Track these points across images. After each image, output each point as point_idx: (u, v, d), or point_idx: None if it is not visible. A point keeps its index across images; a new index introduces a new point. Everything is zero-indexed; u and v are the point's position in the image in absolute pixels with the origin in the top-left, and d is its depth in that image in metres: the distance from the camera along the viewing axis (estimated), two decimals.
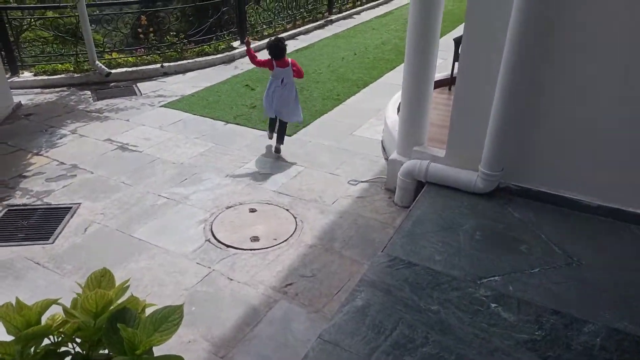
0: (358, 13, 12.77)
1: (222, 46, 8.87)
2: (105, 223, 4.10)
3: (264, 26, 10.05)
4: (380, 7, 13.72)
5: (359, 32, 10.77)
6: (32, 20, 7.89)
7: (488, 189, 3.85)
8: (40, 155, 5.26)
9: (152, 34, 8.10)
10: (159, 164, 5.09)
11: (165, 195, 4.51)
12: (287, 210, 4.28)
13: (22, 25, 7.47)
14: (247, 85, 7.48)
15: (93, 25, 7.52)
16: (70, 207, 4.30)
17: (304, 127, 5.99)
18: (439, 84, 6.50)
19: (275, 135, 5.35)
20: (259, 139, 5.66)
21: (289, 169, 5.00)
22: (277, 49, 5.17)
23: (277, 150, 5.29)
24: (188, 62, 8.20)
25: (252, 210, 4.27)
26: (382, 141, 5.56)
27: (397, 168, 4.39)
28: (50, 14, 8.14)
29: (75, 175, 4.85)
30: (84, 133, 5.80)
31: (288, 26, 10.59)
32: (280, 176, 4.85)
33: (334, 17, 11.76)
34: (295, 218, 4.16)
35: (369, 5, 13.35)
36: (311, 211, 4.26)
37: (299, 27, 10.73)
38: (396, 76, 7.88)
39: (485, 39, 3.52)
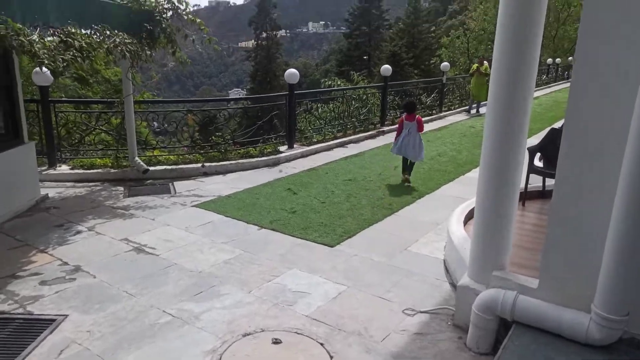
0: None
1: (268, 149, 8.48)
2: (88, 345, 3.19)
3: (313, 133, 9.73)
4: (435, 121, 13.39)
5: None
6: (89, 120, 7.83)
7: (607, 340, 2.71)
8: (45, 252, 4.59)
9: (197, 133, 7.83)
10: (174, 272, 4.26)
11: (171, 312, 3.60)
12: (322, 345, 3.23)
13: (68, 123, 7.39)
14: (289, 189, 6.82)
15: (138, 121, 7.32)
16: (54, 320, 3.45)
17: (348, 237, 5.11)
18: None
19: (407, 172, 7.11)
20: (296, 249, 4.79)
21: (328, 286, 4.03)
22: (412, 105, 7.49)
23: (407, 180, 7.05)
24: (230, 163, 7.77)
25: (276, 342, 3.25)
26: (444, 261, 4.55)
27: (469, 298, 3.32)
28: (96, 108, 8.15)
29: (75, 280, 4.08)
30: (102, 231, 5.16)
31: (338, 134, 10.25)
32: (316, 296, 3.87)
33: (385, 128, 11.41)
34: (331, 358, 3.09)
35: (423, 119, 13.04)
36: (353, 349, 3.19)
37: (350, 135, 10.37)
38: (455, 188, 7.03)
39: (595, 138, 2.67)
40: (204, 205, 6.06)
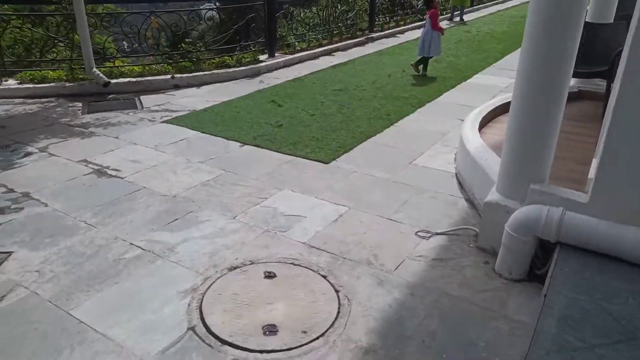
0: (402, 32, 11.40)
1: (246, 59, 7.54)
2: (37, 288, 2.58)
3: (296, 40, 8.72)
4: None
5: (405, 50, 9.33)
6: (17, 17, 6.68)
7: None
8: None
9: (163, 40, 6.82)
10: (142, 197, 3.60)
11: (140, 245, 2.98)
12: (325, 277, 2.68)
13: (6, 25, 6.25)
14: (273, 101, 6.04)
15: (91, 27, 6.25)
16: None
17: (344, 151, 4.46)
18: None
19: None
20: (285, 167, 4.14)
21: (326, 208, 3.44)
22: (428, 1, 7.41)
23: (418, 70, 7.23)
24: (205, 74, 6.86)
25: (269, 276, 2.69)
26: (456, 174, 3.96)
27: (499, 216, 2.77)
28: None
29: (22, 209, 3.39)
30: (56, 152, 4.40)
31: (324, 42, 9.25)
32: (313, 220, 3.28)
33: (374, 34, 10.40)
34: (337, 292, 2.56)
35: (412, 25, 11.99)
36: (363, 281, 2.65)
37: (336, 43, 9.38)
38: (459, 95, 6.33)
39: None
40: (176, 121, 5.28)
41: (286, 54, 8.32)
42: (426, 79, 7.14)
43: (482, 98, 6.14)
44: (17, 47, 6.67)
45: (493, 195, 2.85)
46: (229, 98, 6.15)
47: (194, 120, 5.30)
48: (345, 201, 3.54)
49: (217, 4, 8.09)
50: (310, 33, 8.92)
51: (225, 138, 4.80)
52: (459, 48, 9.49)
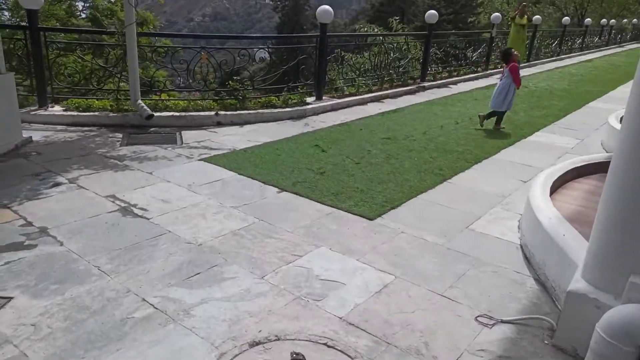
0: (454, 83, 11.04)
1: (293, 100, 7.33)
2: (27, 348, 2.22)
3: (345, 84, 8.49)
4: (479, 80, 11.94)
5: (458, 101, 8.92)
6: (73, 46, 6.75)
7: None
8: (8, 208, 3.63)
9: (211, 77, 6.71)
10: (165, 243, 3.25)
11: (152, 302, 2.60)
12: None
13: (60, 52, 6.31)
14: (317, 145, 5.71)
15: (142, 59, 6.22)
16: None
17: (392, 207, 4.01)
18: (587, 169, 4.40)
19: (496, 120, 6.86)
20: (325, 220, 3.73)
21: (369, 275, 2.97)
22: (505, 54, 7.11)
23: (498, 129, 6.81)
24: (249, 113, 6.66)
25: (297, 359, 2.23)
26: (522, 246, 3.42)
27: (586, 311, 2.22)
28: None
29: (35, 246, 3.11)
30: (85, 184, 4.17)
31: (374, 88, 8.99)
32: (353, 288, 2.82)
33: (426, 84, 10.07)
34: None
35: (465, 77, 11.63)
36: None
37: (386, 90, 9.10)
38: (519, 154, 5.80)
39: None
40: (214, 160, 5.01)
41: (334, 97, 8.08)
42: (482, 133, 6.66)
43: (545, 158, 5.62)
44: (77, 75, 6.70)
45: (578, 284, 2.32)
46: (271, 139, 5.88)
47: (232, 160, 5.01)
48: (391, 268, 3.07)
49: (269, 44, 7.96)
50: (360, 78, 8.68)
51: (262, 182, 4.47)
52: (516, 103, 8.93)
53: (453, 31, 14.82)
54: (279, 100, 7.22)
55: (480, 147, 5.94)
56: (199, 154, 5.17)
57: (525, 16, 12.39)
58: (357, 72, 8.75)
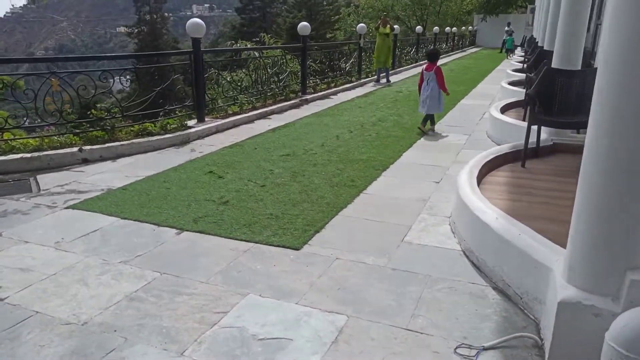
0: (335, 94, 10.99)
1: (172, 125, 6.48)
2: None
3: (228, 103, 7.85)
4: (357, 89, 12.09)
5: (344, 110, 8.79)
6: None
7: None
8: None
9: (68, 106, 5.61)
10: (32, 330, 2.34)
11: None
12: None
13: None
14: (211, 172, 5.00)
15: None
16: None
17: (315, 231, 3.50)
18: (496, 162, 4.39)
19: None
20: (244, 259, 3.08)
21: (316, 320, 2.41)
22: (435, 54, 7.12)
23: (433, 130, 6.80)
24: (122, 145, 5.68)
25: None
26: (465, 253, 3.14)
27: (581, 321, 1.92)
28: None
29: None
30: None
31: (257, 104, 8.46)
32: (303, 343, 2.23)
33: (308, 96, 9.84)
34: None
35: (343, 87, 11.67)
36: None
37: (271, 105, 8.63)
38: (420, 155, 5.70)
39: None
40: (87, 205, 4.04)
41: (217, 118, 7.39)
42: (378, 139, 6.50)
43: (445, 157, 5.60)
44: None
45: (568, 291, 2.02)
46: (154, 171, 5.02)
47: (110, 203, 4.09)
48: (340, 306, 2.54)
49: (134, 63, 7.01)
50: (241, 96, 8.09)
51: (155, 224, 3.66)
52: (398, 107, 9.15)
53: (326, 43, 15.02)
54: (155, 126, 6.32)
55: (382, 153, 5.74)
56: (65, 201, 4.15)
57: (388, 25, 12.93)
58: (239, 89, 8.15)
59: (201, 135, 6.61)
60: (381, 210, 3.94)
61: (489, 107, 9.05)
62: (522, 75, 11.40)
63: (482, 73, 15.95)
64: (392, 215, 3.83)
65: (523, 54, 21.83)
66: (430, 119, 6.87)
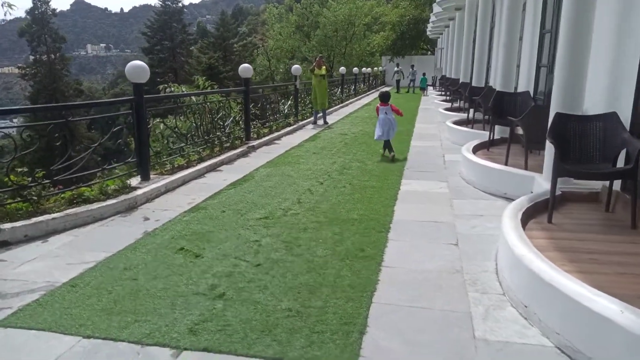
0: (278, 138, 10.29)
1: (112, 186, 5.34)
2: None
3: (173, 155, 6.81)
4: (298, 132, 11.50)
5: (299, 158, 8.09)
6: None
7: None
8: None
9: None
10: None
11: None
12: None
13: None
14: (182, 248, 4.00)
15: None
16: None
17: (359, 332, 2.72)
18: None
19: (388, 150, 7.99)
20: None
21: None
22: (388, 95, 8.40)
23: (393, 157, 7.83)
24: (53, 219, 4.46)
25: None
26: (561, 348, 2.52)
27: None
28: None
29: None
30: None
31: (204, 153, 7.48)
32: None
33: (254, 142, 9.04)
34: None
35: (285, 130, 11.02)
36: None
37: (218, 155, 7.70)
38: (414, 210, 5.14)
39: None
40: (24, 319, 2.88)
41: (163, 174, 6.32)
42: (355, 191, 5.87)
43: (441, 210, 5.14)
44: None
45: None
46: (106, 253, 3.90)
47: (60, 312, 2.96)
48: None
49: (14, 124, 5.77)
50: (188, 146, 7.09)
51: (136, 342, 2.63)
52: (353, 152, 8.65)
53: (265, 85, 14.44)
54: (92, 190, 5.14)
55: (371, 209, 5.09)
56: None
57: (323, 67, 12.64)
58: (184, 139, 7.13)
59: (150, 198, 5.52)
60: (419, 290, 3.25)
61: (442, 148, 8.91)
62: (462, 115, 11.61)
63: (409, 112, 16.15)
64: (437, 297, 3.15)
65: (441, 92, 22.96)
66: (388, 146, 7.96)
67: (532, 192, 5.07)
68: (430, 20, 28.12)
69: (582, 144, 4.18)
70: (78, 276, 3.48)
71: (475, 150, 6.99)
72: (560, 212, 4.22)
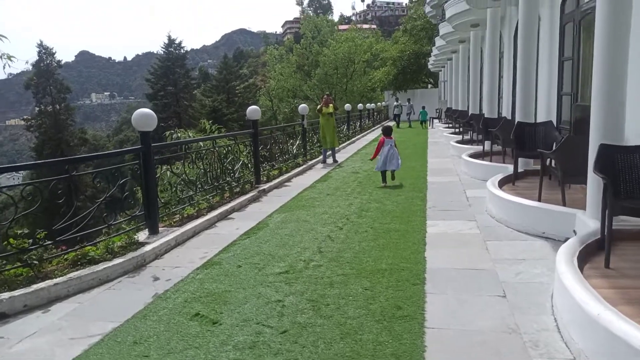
0: (289, 180, 9.96)
1: (119, 243, 4.97)
2: None
3: (182, 204, 6.46)
4: (308, 172, 11.20)
5: (314, 200, 7.73)
6: None
7: None
8: None
9: None
10: None
11: None
12: None
13: None
14: (198, 314, 3.58)
15: None
16: None
17: None
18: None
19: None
20: None
21: None
22: (390, 129, 9.12)
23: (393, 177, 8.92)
24: (55, 284, 4.07)
25: None
26: None
27: None
28: None
29: None
30: None
31: (214, 200, 7.14)
32: None
33: (265, 186, 8.70)
34: None
35: (295, 171, 10.71)
36: None
37: (228, 201, 7.35)
38: (445, 255, 4.72)
39: None
40: None
41: (172, 226, 5.95)
42: (376, 236, 5.47)
43: (475, 254, 4.68)
44: None
45: None
46: (113, 323, 3.49)
47: None
48: None
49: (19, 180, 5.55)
50: (197, 195, 6.76)
51: None
52: (369, 192, 8.29)
53: (273, 127, 14.33)
54: (97, 249, 4.77)
55: (399, 256, 4.68)
56: None
57: (331, 105, 12.46)
58: (194, 187, 6.81)
59: (159, 253, 5.13)
60: (476, 358, 2.80)
61: (461, 184, 8.54)
62: (476, 148, 11.29)
63: (419, 147, 15.90)
64: None
65: (448, 124, 22.79)
66: (384, 174, 8.79)
67: (574, 231, 4.67)
68: (432, 54, 28.36)
69: (632, 177, 3.80)
70: (82, 354, 3.07)
71: (500, 185, 6.61)
72: (613, 254, 3.80)
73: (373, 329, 3.20)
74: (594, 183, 4.23)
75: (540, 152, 5.54)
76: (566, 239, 4.72)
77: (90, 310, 3.81)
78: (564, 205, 5.00)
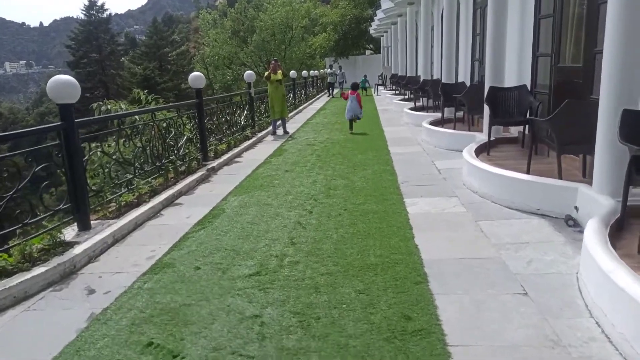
0: (239, 155, 9.03)
1: (37, 245, 3.95)
2: None
3: (118, 190, 5.42)
4: (259, 145, 10.30)
5: (272, 179, 6.89)
6: None
7: None
8: None
9: None
10: None
11: None
12: None
13: None
14: (151, 343, 2.73)
15: None
16: None
17: None
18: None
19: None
20: None
21: None
22: (357, 85, 11.95)
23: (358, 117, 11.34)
24: None
25: None
26: None
27: None
28: None
29: None
30: None
31: (157, 183, 6.12)
32: None
33: (214, 163, 7.74)
34: None
35: (244, 145, 9.76)
36: None
37: (174, 183, 6.36)
38: (440, 243, 4.11)
39: None
40: None
41: (107, 217, 4.95)
42: (355, 221, 4.79)
43: (470, 238, 4.11)
44: None
45: None
46: (47, 354, 2.58)
47: None
48: None
49: None
50: (137, 179, 5.71)
51: None
52: (332, 166, 7.56)
53: (219, 96, 13.14)
54: (10, 256, 3.73)
55: (387, 245, 4.03)
56: None
57: (279, 71, 11.49)
58: (131, 167, 5.74)
59: (93, 255, 4.16)
60: None
61: (427, 154, 8.01)
62: (434, 115, 10.82)
63: (369, 115, 15.29)
64: None
65: (395, 91, 22.31)
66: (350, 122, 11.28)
67: (576, 207, 4.22)
68: (377, 17, 27.62)
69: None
70: None
71: (476, 155, 6.12)
72: (633, 234, 3.35)
73: (385, 353, 2.52)
74: (607, 154, 3.74)
75: (530, 119, 5.03)
76: (567, 216, 4.28)
77: (13, 339, 2.84)
78: (561, 178, 4.53)
